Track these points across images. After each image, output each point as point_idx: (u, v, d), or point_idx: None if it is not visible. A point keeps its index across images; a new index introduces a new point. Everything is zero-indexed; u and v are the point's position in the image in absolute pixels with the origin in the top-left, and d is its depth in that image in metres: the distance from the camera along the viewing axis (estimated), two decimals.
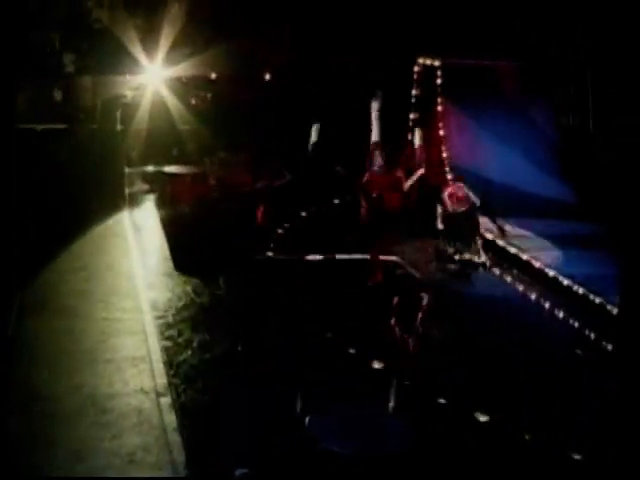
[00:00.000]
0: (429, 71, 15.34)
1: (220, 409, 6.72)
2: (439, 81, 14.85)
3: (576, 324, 9.29)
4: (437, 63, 15.03)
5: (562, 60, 15.11)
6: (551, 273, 10.79)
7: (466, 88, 14.41)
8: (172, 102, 19.59)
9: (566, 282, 10.35)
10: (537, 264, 11.16)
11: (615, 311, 9.14)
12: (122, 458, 5.83)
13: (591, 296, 9.71)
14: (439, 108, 14.83)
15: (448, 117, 14.77)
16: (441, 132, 14.62)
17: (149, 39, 20.12)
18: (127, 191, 15.02)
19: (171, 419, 6.41)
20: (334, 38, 17.88)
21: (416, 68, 15.63)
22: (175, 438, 6.12)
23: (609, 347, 8.56)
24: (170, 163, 17.99)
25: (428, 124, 15.10)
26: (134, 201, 14.73)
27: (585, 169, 13.93)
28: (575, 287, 10.12)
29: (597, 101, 14.37)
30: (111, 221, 12.92)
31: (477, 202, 12.04)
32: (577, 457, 6.11)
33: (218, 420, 6.53)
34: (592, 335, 8.95)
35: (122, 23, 19.85)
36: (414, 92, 15.75)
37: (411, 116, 15.68)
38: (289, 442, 6.19)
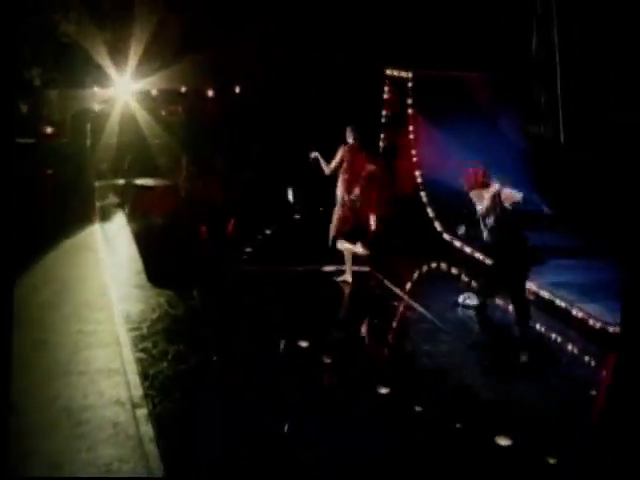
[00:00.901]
0: (399, 82, 15.54)
1: (196, 419, 6.73)
2: (409, 93, 15.06)
3: (543, 330, 9.46)
4: (407, 74, 15.24)
5: (532, 68, 15.37)
6: None
7: (436, 99, 14.63)
8: (142, 115, 19.60)
9: (534, 288, 10.53)
10: None
11: (580, 314, 9.41)
12: (99, 468, 5.82)
13: (558, 302, 9.91)
14: (409, 120, 15.03)
15: (419, 128, 14.97)
16: (412, 143, 14.82)
17: (118, 52, 20.12)
18: (98, 204, 15.02)
19: (147, 430, 6.40)
20: (312, 43, 18.02)
21: (386, 80, 15.84)
22: (151, 448, 6.12)
23: (574, 350, 8.84)
24: (141, 176, 17.99)
25: (398, 136, 15.32)
26: (105, 214, 14.71)
27: (555, 178, 14.16)
28: (542, 293, 10.30)
29: (568, 109, 14.59)
30: (82, 234, 12.90)
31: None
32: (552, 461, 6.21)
33: (195, 430, 6.54)
34: (561, 341, 9.16)
35: (90, 37, 19.82)
36: (384, 104, 15.96)
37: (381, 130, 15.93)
38: (266, 450, 6.22)
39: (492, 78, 15.28)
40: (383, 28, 15.99)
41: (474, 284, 10.85)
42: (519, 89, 15.37)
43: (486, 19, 14.91)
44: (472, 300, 9.88)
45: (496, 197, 8.78)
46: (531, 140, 15.29)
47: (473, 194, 8.98)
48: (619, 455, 6.02)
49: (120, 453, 6.04)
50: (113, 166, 18.53)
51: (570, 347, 8.99)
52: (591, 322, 9.14)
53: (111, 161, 18.73)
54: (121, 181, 17.82)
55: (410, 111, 14.99)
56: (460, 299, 10.03)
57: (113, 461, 5.92)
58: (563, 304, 9.79)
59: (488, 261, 10.26)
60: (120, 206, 15.61)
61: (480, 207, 8.93)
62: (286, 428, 6.54)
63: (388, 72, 15.68)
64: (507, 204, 8.75)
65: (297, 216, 15.02)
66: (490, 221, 8.86)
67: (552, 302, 10.00)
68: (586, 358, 8.67)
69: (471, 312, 9.74)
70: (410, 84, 15.06)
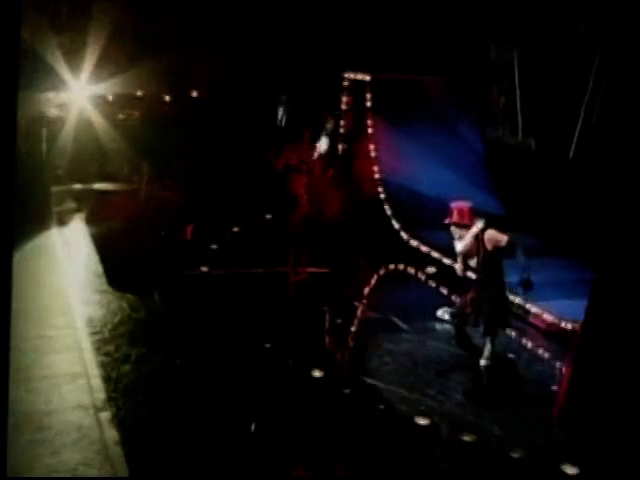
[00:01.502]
0: (358, 86, 15.64)
1: (161, 421, 6.71)
2: (368, 96, 15.16)
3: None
4: (366, 78, 15.34)
5: (491, 72, 15.55)
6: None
7: (395, 102, 14.75)
8: (98, 120, 19.42)
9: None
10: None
11: (538, 311, 9.58)
12: (64, 473, 5.78)
13: (519, 300, 10.06)
14: (369, 122, 15.12)
15: (377, 131, 15.07)
16: (371, 146, 14.92)
17: (74, 56, 19.90)
18: (56, 209, 14.84)
19: (112, 433, 6.37)
20: (268, 50, 18.05)
21: (345, 83, 15.93)
22: (117, 452, 6.10)
23: (529, 345, 9.01)
24: (99, 180, 17.82)
25: (358, 138, 15.42)
26: (63, 219, 14.51)
27: (513, 180, 14.36)
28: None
29: (526, 112, 14.78)
30: (40, 240, 12.68)
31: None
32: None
33: (159, 433, 6.52)
34: (520, 338, 9.33)
35: (46, 40, 19.57)
36: (343, 107, 16.06)
37: (341, 130, 16.03)
38: (230, 451, 6.24)
39: (451, 82, 15.44)
40: (342, 31, 16.06)
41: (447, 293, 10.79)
42: (478, 93, 15.55)
43: (445, 23, 15.05)
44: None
45: (478, 237, 8.02)
46: (489, 143, 15.48)
47: (454, 230, 8.21)
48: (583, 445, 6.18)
49: (85, 457, 6.01)
50: (70, 171, 18.26)
51: (528, 344, 9.16)
52: (549, 319, 9.31)
53: (68, 166, 18.47)
54: (78, 186, 17.60)
55: (369, 114, 15.10)
56: (439, 312, 9.68)
57: (78, 465, 5.88)
58: (521, 301, 9.94)
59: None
60: (78, 211, 15.41)
61: (460, 245, 8.16)
62: (252, 428, 6.56)
63: (346, 75, 15.77)
64: (489, 246, 7.99)
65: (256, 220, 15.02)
66: (473, 263, 8.23)
67: (512, 302, 10.13)
68: (545, 354, 8.83)
69: (425, 310, 9.80)
70: (369, 87, 15.17)
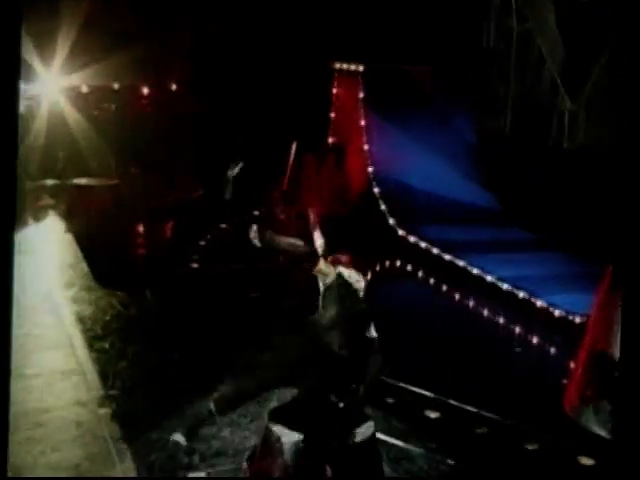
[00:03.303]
0: (349, 76, 15.75)
1: (164, 417, 6.77)
2: (360, 87, 15.27)
3: (504, 321, 9.83)
4: (357, 68, 15.45)
5: (489, 60, 15.73)
6: (475, 272, 11.34)
7: (387, 94, 14.89)
8: (72, 113, 19.38)
9: (491, 279, 10.90)
10: (461, 264, 11.69)
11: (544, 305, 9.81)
12: (67, 470, 5.85)
13: (520, 293, 10.27)
14: (360, 115, 15.24)
15: (370, 123, 15.20)
16: (363, 140, 15.02)
17: (45, 46, 19.83)
18: (32, 206, 14.80)
19: (114, 429, 6.45)
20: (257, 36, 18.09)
21: (336, 74, 16.02)
22: (121, 447, 6.18)
23: (534, 340, 9.22)
24: (76, 175, 17.78)
25: (348, 131, 15.54)
26: (40, 216, 14.49)
27: (506, 173, 14.57)
28: (500, 284, 10.66)
29: (517, 101, 14.97)
30: (18, 239, 12.68)
31: None
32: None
33: (163, 428, 6.58)
34: (520, 330, 9.54)
35: None
36: (334, 99, 16.16)
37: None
38: (232, 445, 6.34)
39: (444, 71, 15.60)
40: (332, 20, 16.15)
41: None
42: (473, 82, 15.70)
43: (439, 12, 15.20)
44: None
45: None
46: (486, 134, 15.65)
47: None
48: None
49: (88, 453, 6.08)
50: (43, 166, 18.19)
51: (534, 338, 9.35)
52: (556, 313, 9.52)
53: (40, 161, 18.39)
54: (54, 181, 17.56)
55: (361, 105, 15.20)
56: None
57: (81, 461, 5.96)
58: (526, 296, 10.15)
59: None
60: (56, 207, 15.38)
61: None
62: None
63: (337, 66, 15.85)
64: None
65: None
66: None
67: (514, 294, 10.36)
68: (551, 348, 9.03)
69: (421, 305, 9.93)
70: (361, 78, 15.28)
